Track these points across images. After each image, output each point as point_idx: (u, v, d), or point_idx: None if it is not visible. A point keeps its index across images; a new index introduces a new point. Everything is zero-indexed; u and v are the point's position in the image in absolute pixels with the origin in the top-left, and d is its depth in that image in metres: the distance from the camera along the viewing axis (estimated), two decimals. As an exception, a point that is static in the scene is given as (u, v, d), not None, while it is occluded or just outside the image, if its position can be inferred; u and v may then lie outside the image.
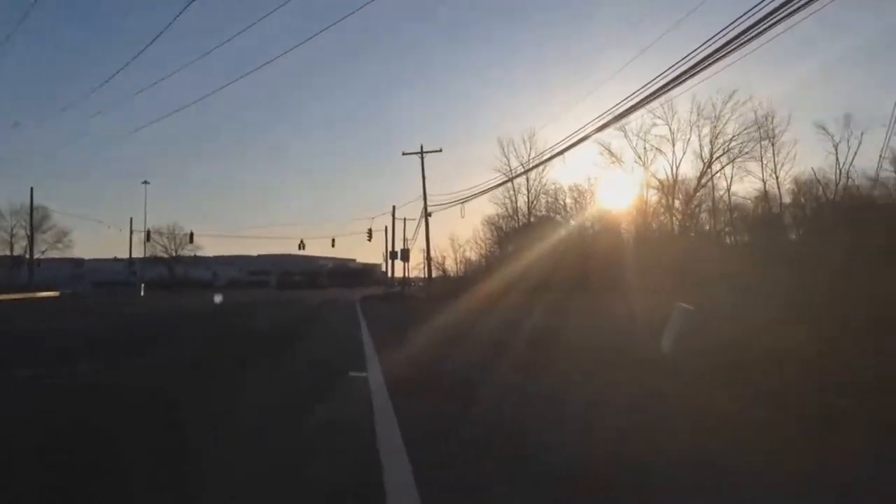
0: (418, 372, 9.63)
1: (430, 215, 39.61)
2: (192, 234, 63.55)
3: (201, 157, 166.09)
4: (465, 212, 47.63)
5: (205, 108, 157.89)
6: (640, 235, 55.00)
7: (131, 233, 61.12)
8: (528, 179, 57.58)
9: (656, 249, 49.65)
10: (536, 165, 47.06)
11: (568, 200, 59.36)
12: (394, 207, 57.17)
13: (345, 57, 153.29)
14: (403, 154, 40.88)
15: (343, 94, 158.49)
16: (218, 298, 39.11)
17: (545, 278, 39.76)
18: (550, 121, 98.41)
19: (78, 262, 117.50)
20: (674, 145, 49.58)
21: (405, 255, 43.08)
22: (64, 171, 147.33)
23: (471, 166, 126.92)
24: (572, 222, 59.69)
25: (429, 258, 38.80)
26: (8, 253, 78.99)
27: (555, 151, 32.47)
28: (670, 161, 49.99)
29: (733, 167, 50.42)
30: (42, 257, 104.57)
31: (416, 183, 40.68)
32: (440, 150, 40.96)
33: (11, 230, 76.78)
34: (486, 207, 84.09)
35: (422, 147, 40.69)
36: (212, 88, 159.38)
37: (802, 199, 55.71)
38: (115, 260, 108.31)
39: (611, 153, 52.07)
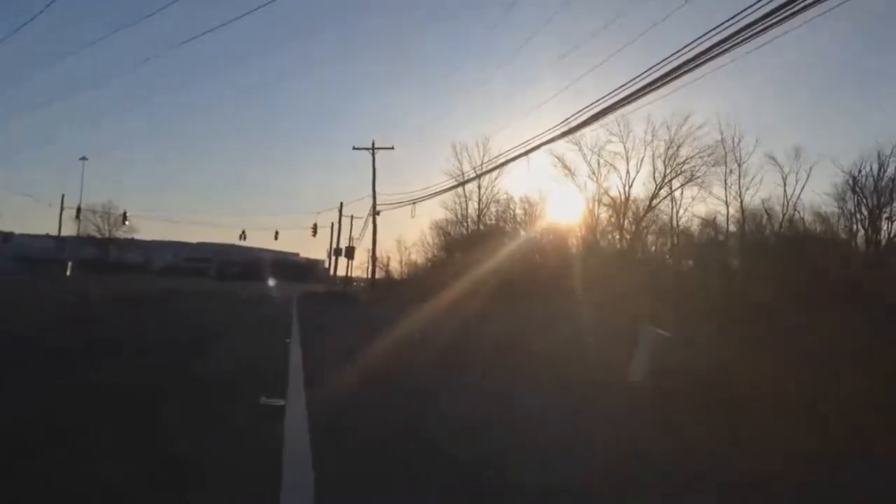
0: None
1: (378, 213, 38.20)
2: (125, 214, 60.03)
3: (144, 137, 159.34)
4: (416, 213, 46.31)
5: (148, 84, 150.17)
6: (587, 251, 54.57)
7: (62, 208, 58.00)
8: (479, 187, 56.61)
9: (601, 266, 49.16)
10: (488, 171, 46.09)
11: (518, 211, 58.55)
12: (341, 204, 55.52)
13: (302, 44, 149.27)
14: (354, 148, 39.42)
15: (296, 84, 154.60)
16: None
17: (493, 286, 38.81)
18: (506, 127, 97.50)
19: (7, 236, 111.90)
20: (627, 163, 49.32)
21: (350, 253, 41.36)
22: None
23: (424, 167, 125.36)
24: (521, 233, 58.87)
25: (374, 258, 37.38)
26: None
27: (507, 158, 31.49)
28: (623, 179, 49.59)
29: (682, 191, 50.29)
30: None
31: (367, 180, 39.37)
32: (392, 148, 39.59)
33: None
34: (436, 211, 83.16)
35: (373, 143, 39.28)
36: (159, 61, 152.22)
37: (746, 228, 56.13)
38: (48, 237, 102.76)
39: (564, 166, 51.50)
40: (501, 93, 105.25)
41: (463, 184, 46.00)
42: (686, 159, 47.33)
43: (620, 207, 50.14)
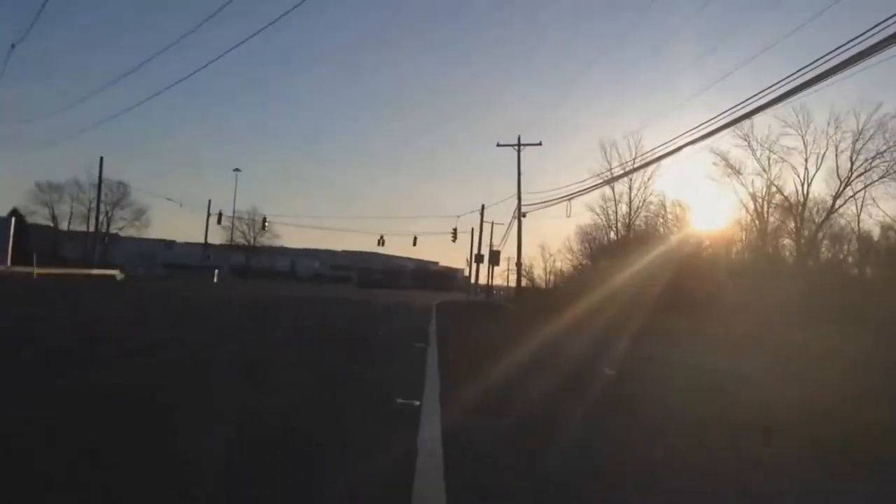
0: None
1: (524, 216, 34.09)
2: (264, 219, 59.47)
3: (286, 145, 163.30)
4: (562, 215, 41.79)
5: (288, 92, 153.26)
6: (758, 259, 47.68)
7: (208, 215, 58.31)
8: (630, 188, 51.10)
9: (775, 276, 42.27)
10: (636, 168, 40.67)
11: (671, 215, 52.35)
12: (482, 206, 51.87)
13: (437, 42, 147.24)
14: (498, 145, 35.55)
15: (434, 82, 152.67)
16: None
17: (654, 298, 33.76)
18: (660, 121, 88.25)
19: (169, 244, 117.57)
20: (806, 159, 42.24)
21: (494, 258, 36.92)
22: (149, 149, 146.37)
23: (573, 165, 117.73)
24: (672, 239, 52.60)
25: (519, 264, 33.23)
26: (86, 227, 76.17)
27: (659, 154, 26.49)
28: (800, 177, 42.55)
29: (864, 192, 42.32)
30: (135, 236, 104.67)
31: (511, 183, 35.46)
32: (539, 144, 35.39)
33: (90, 203, 73.67)
34: (583, 216, 76.11)
35: (519, 139, 35.23)
36: (293, 74, 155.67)
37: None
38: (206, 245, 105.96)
39: (728, 164, 45.03)
40: (657, 84, 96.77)
41: (611, 181, 40.72)
42: (878, 153, 39.66)
43: (797, 209, 43.05)
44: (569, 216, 38.82)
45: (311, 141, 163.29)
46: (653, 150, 28.90)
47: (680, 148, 26.49)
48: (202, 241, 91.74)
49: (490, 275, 47.12)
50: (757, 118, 57.54)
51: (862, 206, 43.44)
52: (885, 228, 46.39)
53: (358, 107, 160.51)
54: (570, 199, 32.50)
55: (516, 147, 35.18)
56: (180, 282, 47.76)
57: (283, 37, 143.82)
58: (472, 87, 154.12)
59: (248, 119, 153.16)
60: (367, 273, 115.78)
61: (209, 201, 62.50)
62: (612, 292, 36.53)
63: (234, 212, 74.77)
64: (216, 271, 62.79)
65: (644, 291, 36.70)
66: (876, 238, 47.15)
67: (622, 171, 47.37)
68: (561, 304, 30.98)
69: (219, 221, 56.21)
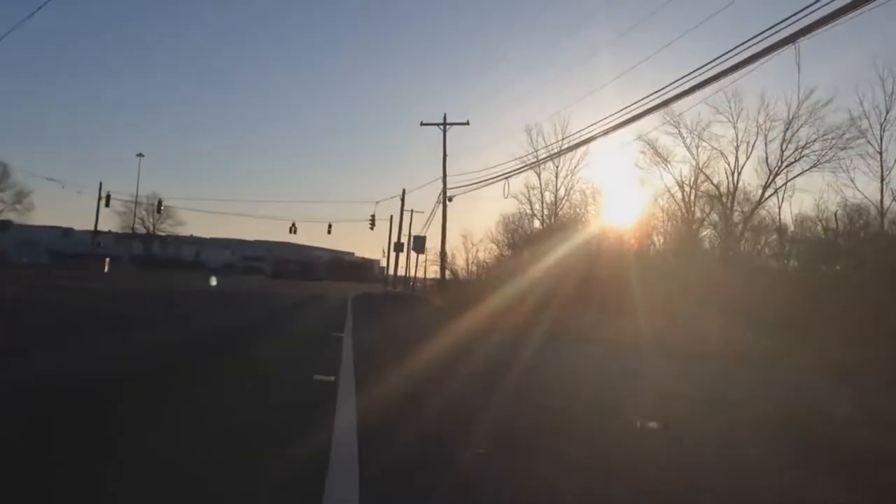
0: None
1: (450, 200, 30.54)
2: (160, 202, 52.03)
3: (192, 128, 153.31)
4: (488, 200, 38.45)
5: (193, 68, 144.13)
6: (679, 249, 45.81)
7: (99, 198, 51.76)
8: (556, 175, 48.37)
9: (694, 269, 40.20)
10: (563, 152, 37.63)
11: (595, 206, 49.86)
12: (403, 191, 48.16)
13: (357, 14, 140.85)
14: (422, 125, 31.90)
15: (352, 59, 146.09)
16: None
17: (562, 294, 31.05)
18: (590, 104, 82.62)
19: (67, 232, 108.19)
20: (737, 148, 40.41)
21: (419, 246, 32.06)
22: (35, 128, 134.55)
23: (502, 146, 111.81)
24: (595, 229, 50.16)
25: (444, 253, 29.47)
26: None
27: (585, 137, 23.44)
28: (731, 165, 40.73)
29: (791, 184, 40.82)
30: (30, 223, 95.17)
31: (434, 166, 31.98)
32: (466, 123, 31.94)
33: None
34: (506, 204, 71.20)
35: (444, 117, 31.68)
36: (204, 46, 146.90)
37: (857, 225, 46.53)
38: (107, 233, 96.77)
39: (656, 152, 42.76)
40: (586, 68, 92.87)
41: (534, 164, 37.36)
42: (807, 143, 38.03)
43: (726, 198, 41.25)
44: (507, 197, 35.23)
45: (218, 123, 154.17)
46: (578, 132, 25.90)
47: (605, 132, 23.53)
48: (103, 229, 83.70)
49: (415, 265, 42.86)
50: (687, 104, 56.00)
51: (783, 197, 42.05)
52: (802, 220, 45.20)
53: (269, 86, 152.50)
54: (492, 183, 29.10)
55: (441, 126, 31.63)
56: (63, 272, 41.83)
57: (186, 8, 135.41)
58: (393, 66, 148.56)
59: (150, 101, 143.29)
60: (281, 264, 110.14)
61: (100, 183, 55.05)
62: (531, 285, 33.67)
63: (136, 196, 68.06)
64: (107, 260, 56.52)
65: (561, 285, 33.99)
66: (792, 230, 46.11)
67: (547, 155, 44.48)
68: (484, 297, 27.69)
69: (107, 204, 49.94)
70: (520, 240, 53.59)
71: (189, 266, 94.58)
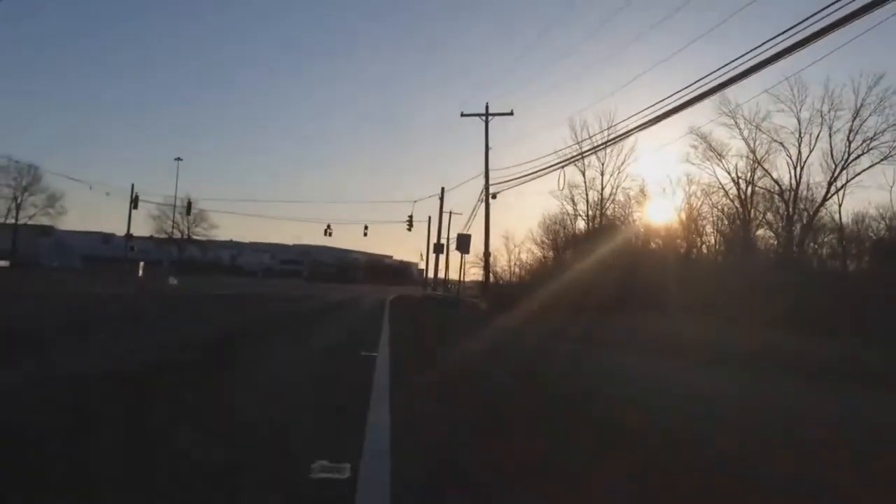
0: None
1: (493, 197, 27.77)
2: (189, 204, 50.24)
3: (226, 132, 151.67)
4: (524, 197, 35.49)
5: (223, 66, 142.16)
6: (732, 251, 42.51)
7: (132, 201, 50.07)
8: (601, 173, 45.24)
9: (751, 273, 36.89)
10: (609, 142, 34.39)
11: (643, 204, 46.48)
12: (442, 190, 45.56)
13: (392, 6, 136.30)
14: (462, 115, 29.26)
15: (389, 52, 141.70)
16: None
17: (606, 298, 28.20)
18: (640, 92, 73.65)
19: (107, 238, 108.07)
20: (799, 139, 36.87)
21: (463, 245, 28.53)
22: (74, 135, 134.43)
23: (548, 138, 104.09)
24: (642, 229, 46.92)
25: (487, 254, 26.62)
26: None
27: (626, 130, 20.50)
28: (793, 159, 37.28)
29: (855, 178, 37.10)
30: (74, 230, 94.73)
31: (474, 162, 29.24)
32: (511, 114, 29.15)
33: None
34: (550, 203, 65.06)
35: (487, 107, 28.96)
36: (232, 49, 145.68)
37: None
38: (148, 238, 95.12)
39: (709, 146, 39.40)
40: (638, 51, 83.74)
41: (575, 158, 34.07)
42: (875, 134, 34.34)
43: (790, 195, 37.74)
44: (562, 189, 31.91)
45: (252, 125, 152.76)
46: (624, 120, 22.99)
47: (655, 120, 20.57)
48: (145, 234, 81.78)
49: (459, 267, 39.14)
50: (747, 93, 52.31)
51: (843, 194, 38.25)
52: (862, 217, 41.23)
53: (303, 85, 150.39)
54: (538, 177, 26.28)
55: (483, 117, 28.94)
56: (90, 276, 40.13)
57: (222, 17, 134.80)
58: (431, 58, 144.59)
59: (186, 106, 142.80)
60: (318, 267, 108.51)
61: (132, 185, 52.93)
62: (580, 289, 30.86)
63: (175, 199, 66.19)
64: (141, 264, 55.07)
65: (610, 288, 31.10)
66: (851, 228, 42.20)
67: (591, 148, 41.36)
68: (535, 302, 24.97)
69: (134, 206, 48.23)
70: (563, 241, 50.68)
71: (226, 270, 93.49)
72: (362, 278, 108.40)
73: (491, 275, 53.76)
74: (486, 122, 29.09)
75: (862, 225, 39.61)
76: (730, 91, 38.13)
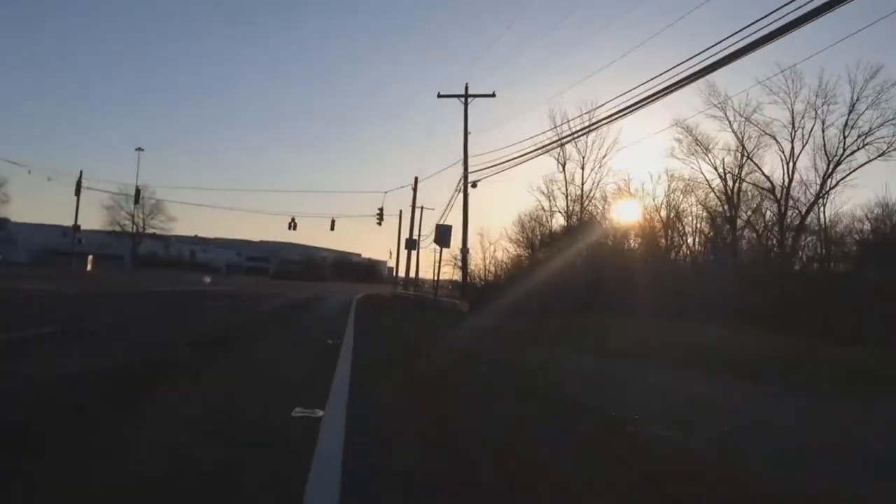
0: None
1: (473, 186, 24.67)
2: (138, 191, 45.20)
3: (186, 119, 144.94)
4: (499, 190, 32.14)
5: (183, 51, 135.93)
6: (715, 251, 40.29)
7: (79, 189, 45.79)
8: (582, 167, 42.56)
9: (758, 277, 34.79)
10: (590, 127, 31.35)
11: (621, 200, 43.87)
12: (416, 180, 42.44)
13: None
14: (440, 96, 26.15)
15: (362, 28, 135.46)
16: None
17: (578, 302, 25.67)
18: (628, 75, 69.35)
19: (68, 231, 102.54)
20: (792, 134, 34.59)
21: (443, 236, 24.39)
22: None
23: (532, 121, 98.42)
24: (621, 227, 44.57)
25: (465, 249, 23.45)
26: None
27: (604, 116, 17.80)
28: (786, 154, 35.04)
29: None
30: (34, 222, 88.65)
31: (447, 150, 25.92)
32: (492, 95, 26.00)
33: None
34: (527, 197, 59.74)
35: (466, 88, 25.90)
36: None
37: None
38: (111, 233, 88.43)
39: (695, 139, 37.01)
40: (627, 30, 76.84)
41: (551, 146, 30.91)
42: (870, 129, 32.25)
43: (781, 193, 35.41)
44: (561, 165, 28.60)
45: (212, 110, 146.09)
46: (606, 102, 20.24)
47: (636, 105, 17.94)
48: (108, 228, 75.68)
49: (438, 262, 34.72)
50: (738, 83, 50.16)
51: (833, 193, 36.02)
52: (844, 218, 39.11)
53: (265, 66, 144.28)
54: (519, 163, 23.29)
55: (462, 99, 25.86)
56: (32, 271, 36.03)
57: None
58: (405, 37, 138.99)
59: (145, 92, 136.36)
60: (284, 265, 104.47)
61: (80, 172, 47.68)
62: (558, 289, 28.16)
63: (137, 192, 60.76)
64: (90, 258, 51.02)
65: (591, 290, 28.45)
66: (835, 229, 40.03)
67: (571, 135, 38.47)
68: (517, 303, 22.07)
69: (76, 192, 43.87)
70: (541, 239, 47.89)
71: (190, 266, 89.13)
72: (330, 276, 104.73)
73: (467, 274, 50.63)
74: (466, 104, 26.07)
75: (846, 227, 37.49)
76: (720, 81, 35.43)
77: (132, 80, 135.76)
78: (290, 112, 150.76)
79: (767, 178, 35.87)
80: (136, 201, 47.52)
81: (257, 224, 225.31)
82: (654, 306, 24.82)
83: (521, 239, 48.49)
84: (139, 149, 59.56)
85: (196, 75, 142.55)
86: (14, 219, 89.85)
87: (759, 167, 36.17)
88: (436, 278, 26.81)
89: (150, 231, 65.42)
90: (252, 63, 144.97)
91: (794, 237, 35.97)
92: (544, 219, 45.96)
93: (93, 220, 71.48)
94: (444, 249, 44.06)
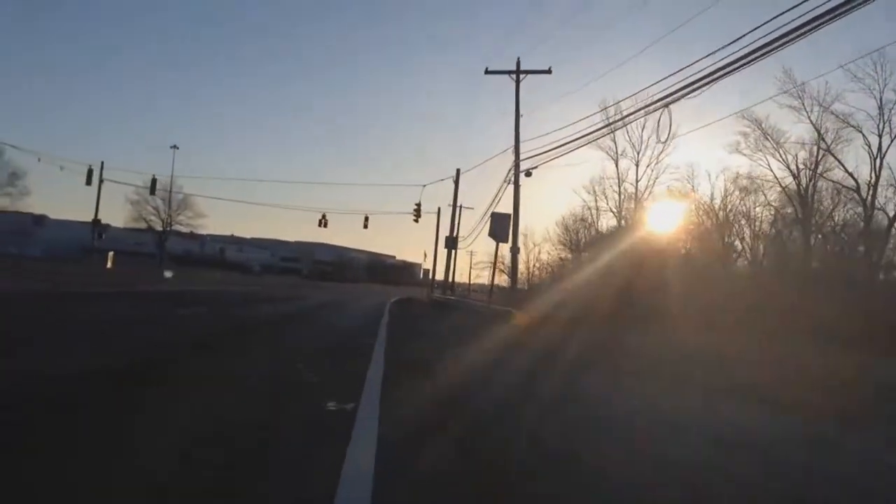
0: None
1: (528, 175, 20.50)
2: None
3: (210, 107, 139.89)
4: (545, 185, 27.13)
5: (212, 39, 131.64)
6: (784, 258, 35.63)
7: (101, 181, 42.67)
8: (636, 164, 38.30)
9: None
10: (639, 111, 27.20)
11: (684, 198, 39.36)
12: (458, 172, 38.32)
13: None
14: (487, 73, 22.14)
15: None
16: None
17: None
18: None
19: (103, 228, 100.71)
20: (881, 125, 29.86)
21: (501, 227, 19.83)
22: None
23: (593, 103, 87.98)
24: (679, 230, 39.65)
25: (515, 249, 19.26)
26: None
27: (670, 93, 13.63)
28: (872, 149, 30.25)
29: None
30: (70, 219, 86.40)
31: (491, 140, 21.54)
32: (548, 71, 21.78)
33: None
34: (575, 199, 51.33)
35: (518, 63, 21.81)
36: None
37: None
38: (145, 231, 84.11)
39: (763, 132, 32.56)
40: None
41: (597, 132, 26.80)
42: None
43: (867, 192, 30.62)
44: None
45: (243, 101, 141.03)
46: (656, 83, 16.04)
47: (692, 85, 14.13)
48: (133, 224, 72.58)
49: (495, 262, 28.65)
50: (815, 68, 45.27)
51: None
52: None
53: (297, 50, 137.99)
54: (570, 150, 19.07)
55: (514, 75, 21.81)
56: (48, 266, 32.90)
57: None
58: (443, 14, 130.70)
59: (176, 87, 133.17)
60: (317, 265, 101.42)
61: (101, 163, 43.45)
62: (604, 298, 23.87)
63: (170, 190, 57.80)
64: (110, 254, 48.16)
65: (641, 300, 24.09)
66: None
67: (623, 124, 34.17)
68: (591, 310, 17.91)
69: (87, 182, 40.60)
70: (585, 242, 43.53)
71: (225, 266, 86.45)
72: (363, 277, 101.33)
73: (508, 278, 46.56)
74: (517, 82, 21.94)
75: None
76: (797, 66, 30.72)
77: (162, 73, 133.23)
78: (322, 103, 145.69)
79: (851, 174, 31.05)
80: (152, 191, 43.95)
81: (292, 223, 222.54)
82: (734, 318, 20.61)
83: (568, 241, 44.27)
84: (174, 146, 56.61)
85: (226, 68, 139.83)
86: (53, 216, 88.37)
87: (840, 163, 31.43)
88: (491, 282, 22.05)
89: (178, 227, 61.83)
90: (280, 50, 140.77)
91: (882, 241, 31.10)
92: (591, 217, 41.68)
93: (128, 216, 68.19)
94: (449, 249, 40.21)
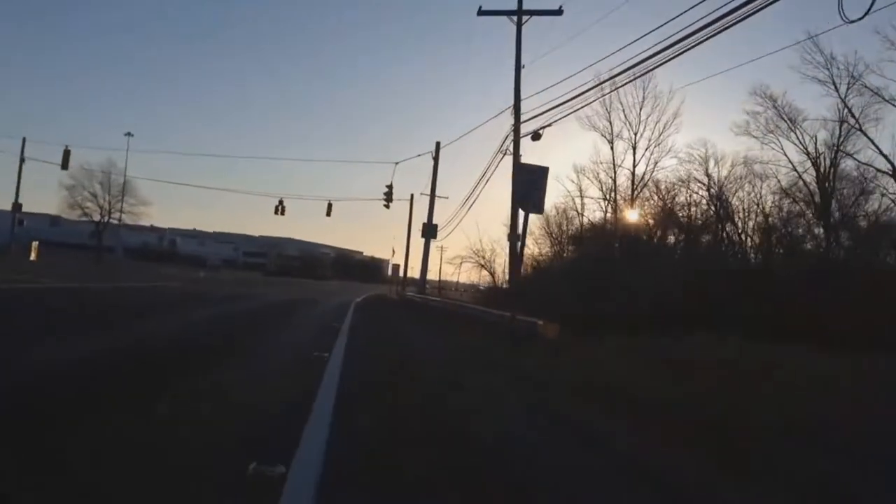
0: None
1: (537, 138, 15.35)
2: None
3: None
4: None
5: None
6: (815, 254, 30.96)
7: (22, 160, 36.41)
8: (633, 147, 33.60)
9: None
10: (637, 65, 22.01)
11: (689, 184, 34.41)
12: (437, 145, 32.86)
13: None
14: (481, 13, 17.01)
15: None
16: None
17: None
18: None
19: (56, 219, 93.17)
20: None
21: (531, 191, 14.41)
22: None
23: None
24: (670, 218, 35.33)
25: (514, 229, 14.00)
26: None
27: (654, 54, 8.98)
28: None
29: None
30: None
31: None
32: (559, 12, 16.64)
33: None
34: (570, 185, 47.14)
35: (520, 2, 16.68)
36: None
37: None
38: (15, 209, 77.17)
39: (778, 111, 28.05)
40: None
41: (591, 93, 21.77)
42: None
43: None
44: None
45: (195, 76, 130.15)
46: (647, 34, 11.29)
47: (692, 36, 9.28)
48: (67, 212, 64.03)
49: (512, 251, 22.38)
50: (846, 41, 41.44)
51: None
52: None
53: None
54: (570, 111, 14.17)
55: (514, 17, 16.74)
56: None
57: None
58: None
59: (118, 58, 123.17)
60: (283, 260, 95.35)
61: (23, 139, 38.76)
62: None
63: (123, 184, 50.89)
64: (35, 244, 42.00)
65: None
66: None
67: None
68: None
69: (21, 161, 33.75)
70: (567, 237, 38.62)
71: (180, 260, 79.92)
72: (330, 274, 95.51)
73: (491, 276, 41.31)
74: (519, 25, 16.84)
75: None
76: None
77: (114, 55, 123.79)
78: (283, 67, 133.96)
79: (886, 157, 26.60)
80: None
81: (265, 218, 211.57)
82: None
83: (553, 231, 39.33)
84: (128, 134, 49.79)
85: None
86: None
87: (874, 142, 26.97)
88: (511, 272, 15.93)
89: (125, 218, 54.73)
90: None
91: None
92: (589, 207, 36.70)
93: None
94: (434, 242, 34.83)
